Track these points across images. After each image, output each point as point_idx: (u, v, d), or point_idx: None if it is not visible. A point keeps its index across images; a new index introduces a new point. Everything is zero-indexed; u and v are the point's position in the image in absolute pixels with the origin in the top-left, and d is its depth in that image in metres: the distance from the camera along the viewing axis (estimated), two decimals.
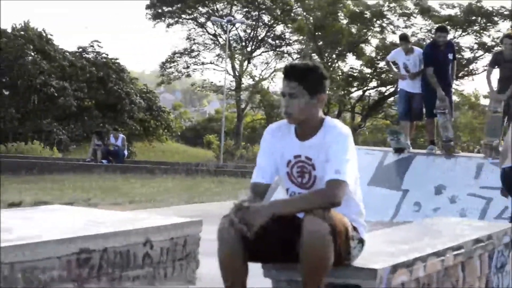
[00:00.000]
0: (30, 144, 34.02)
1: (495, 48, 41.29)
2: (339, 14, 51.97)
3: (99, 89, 42.47)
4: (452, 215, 9.90)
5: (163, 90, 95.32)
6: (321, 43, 52.19)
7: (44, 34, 43.91)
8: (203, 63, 58.24)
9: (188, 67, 58.18)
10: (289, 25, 54.49)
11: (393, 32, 50.84)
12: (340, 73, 53.11)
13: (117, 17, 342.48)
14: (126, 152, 28.92)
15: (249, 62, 57.03)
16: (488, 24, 48.69)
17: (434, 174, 12.24)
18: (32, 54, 40.54)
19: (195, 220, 5.81)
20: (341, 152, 4.21)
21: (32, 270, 4.10)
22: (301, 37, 54.22)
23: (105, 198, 14.90)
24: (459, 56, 44.60)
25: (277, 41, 57.45)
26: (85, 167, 25.41)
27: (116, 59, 45.21)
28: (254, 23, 56.62)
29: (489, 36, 49.21)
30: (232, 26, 53.55)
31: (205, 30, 57.93)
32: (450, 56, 13.17)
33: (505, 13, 47.59)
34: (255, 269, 4.40)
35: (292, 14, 54.88)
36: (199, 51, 58.12)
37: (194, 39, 57.76)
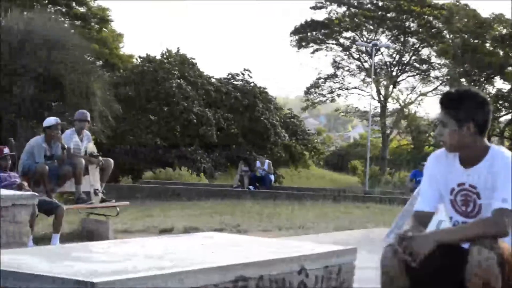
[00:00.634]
0: (178, 170, 34.71)
1: None
2: (485, 36, 50.73)
3: (245, 117, 42.85)
4: None
5: (307, 116, 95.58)
6: (467, 66, 51.06)
7: (189, 60, 44.87)
8: (347, 88, 58.14)
9: (332, 92, 58.19)
10: (435, 47, 53.64)
11: None
12: (488, 97, 51.62)
13: (262, 43, 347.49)
14: (272, 178, 29.08)
15: (394, 87, 56.43)
16: None
17: None
18: (178, 80, 41.38)
19: (350, 248, 5.68)
20: (509, 180, 4.03)
21: None
22: (447, 60, 53.24)
23: (254, 224, 14.95)
24: None
25: (423, 65, 56.61)
26: (233, 193, 25.69)
27: (265, 88, 45.54)
28: (399, 47, 56.03)
29: None
30: (377, 50, 53.17)
31: (350, 55, 57.82)
32: None
33: None
34: None
35: (439, 37, 53.97)
36: (344, 76, 58.08)
37: (339, 64, 57.78)
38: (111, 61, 43.62)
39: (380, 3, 54.76)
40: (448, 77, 52.02)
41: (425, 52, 56.72)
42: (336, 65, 57.76)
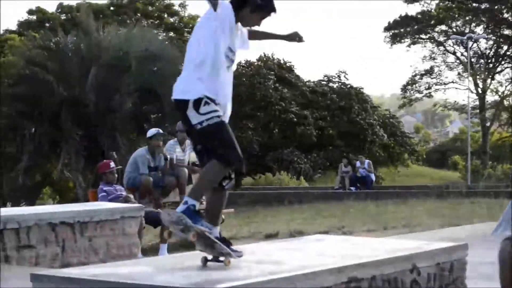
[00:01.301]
0: (277, 175, 34.79)
1: None
2: None
3: (342, 118, 42.69)
4: None
5: (403, 113, 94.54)
6: None
7: (284, 63, 45.00)
8: (444, 83, 57.22)
9: (429, 87, 57.37)
10: None
11: None
12: None
13: (355, 42, 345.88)
14: (373, 177, 28.87)
15: (492, 79, 55.22)
16: None
17: None
18: (273, 82, 41.52)
19: (461, 244, 5.60)
20: None
21: None
22: None
23: (358, 225, 14.86)
24: None
25: None
26: (334, 195, 25.59)
27: (361, 88, 45.26)
28: (496, 38, 54.81)
29: None
30: (473, 43, 52.12)
31: (444, 49, 56.91)
32: None
33: None
34: None
35: None
36: (440, 71, 57.19)
37: (434, 59, 56.95)
38: None
39: None
40: None
41: None
42: (431, 59, 56.96)
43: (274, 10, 5.07)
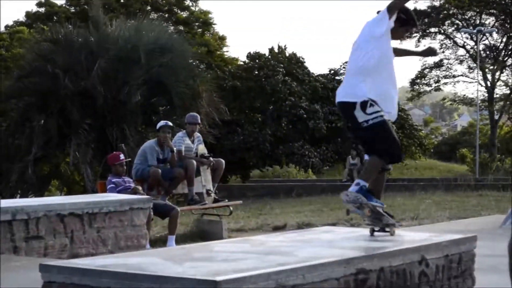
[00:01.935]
0: (285, 168, 34.78)
1: None
2: None
3: None
4: None
5: (411, 106, 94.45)
6: None
7: (298, 58, 44.94)
8: (453, 76, 57.03)
9: (438, 81, 57.20)
10: None
11: None
12: None
13: None
14: None
15: (502, 72, 55.02)
16: None
17: None
18: (282, 76, 41.45)
19: (469, 236, 5.60)
20: None
21: None
22: None
23: None
24: None
25: None
26: (342, 188, 25.31)
27: None
28: (506, 30, 54.56)
29: None
30: (482, 35, 51.90)
31: (454, 42, 56.72)
32: None
33: None
34: None
35: None
36: (450, 64, 56.98)
37: (443, 52, 56.79)
38: (214, 64, 44.05)
39: None
40: None
41: None
42: (441, 53, 56.71)
43: (417, 25, 6.04)
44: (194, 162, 12.33)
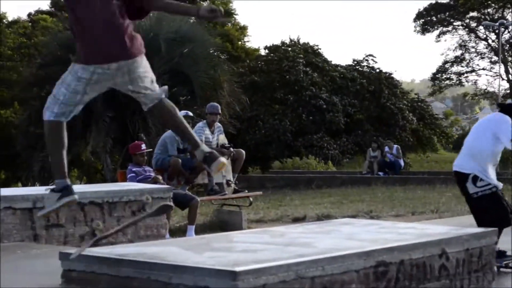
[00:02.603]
0: (305, 159, 34.70)
1: None
2: None
3: (371, 103, 42.44)
4: None
5: (433, 99, 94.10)
6: None
7: (313, 48, 44.80)
8: (474, 70, 56.72)
9: (460, 75, 56.92)
10: None
11: None
12: None
13: (387, 29, 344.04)
14: (402, 163, 28.75)
15: None
16: None
17: None
18: (303, 67, 41.33)
19: (490, 230, 5.56)
20: None
21: (332, 284, 4.08)
22: None
23: (386, 209, 14.83)
24: None
25: None
26: (362, 180, 25.53)
27: (390, 73, 44.92)
28: None
29: None
30: (505, 29, 51.54)
31: (476, 35, 56.38)
32: None
33: None
34: None
35: None
36: (471, 58, 56.68)
37: (465, 46, 56.46)
38: (235, 54, 43.98)
39: None
40: None
41: None
42: (463, 47, 56.46)
43: None
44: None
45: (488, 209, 7.26)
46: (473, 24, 56.11)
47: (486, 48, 56.35)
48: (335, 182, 25.60)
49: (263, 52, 46.15)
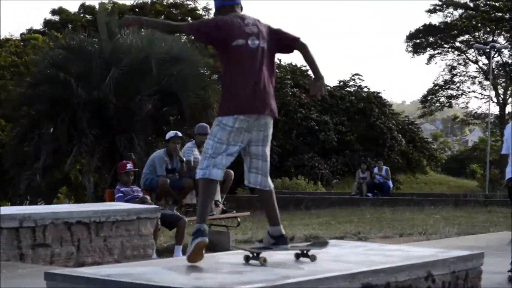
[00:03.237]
0: (294, 179, 34.70)
1: None
2: None
3: (361, 123, 42.56)
4: None
5: (422, 121, 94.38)
6: None
7: (300, 68, 44.86)
8: (465, 93, 57.00)
9: (450, 98, 57.17)
10: None
11: None
12: None
13: (376, 50, 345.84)
14: (391, 184, 28.78)
15: None
16: None
17: None
18: (290, 88, 41.41)
19: (476, 253, 5.58)
20: None
21: None
22: None
23: (374, 231, 14.82)
24: None
25: None
26: (351, 201, 25.53)
27: (379, 92, 45.10)
28: None
29: None
30: (496, 52, 51.79)
31: (467, 58, 56.67)
32: None
33: None
34: None
35: None
36: (462, 81, 56.96)
37: (455, 68, 56.74)
38: None
39: (497, 4, 53.38)
40: None
41: None
42: (453, 69, 56.75)
43: None
44: None
45: None
46: (464, 48, 56.41)
47: (477, 71, 56.64)
48: (324, 203, 25.58)
49: None
